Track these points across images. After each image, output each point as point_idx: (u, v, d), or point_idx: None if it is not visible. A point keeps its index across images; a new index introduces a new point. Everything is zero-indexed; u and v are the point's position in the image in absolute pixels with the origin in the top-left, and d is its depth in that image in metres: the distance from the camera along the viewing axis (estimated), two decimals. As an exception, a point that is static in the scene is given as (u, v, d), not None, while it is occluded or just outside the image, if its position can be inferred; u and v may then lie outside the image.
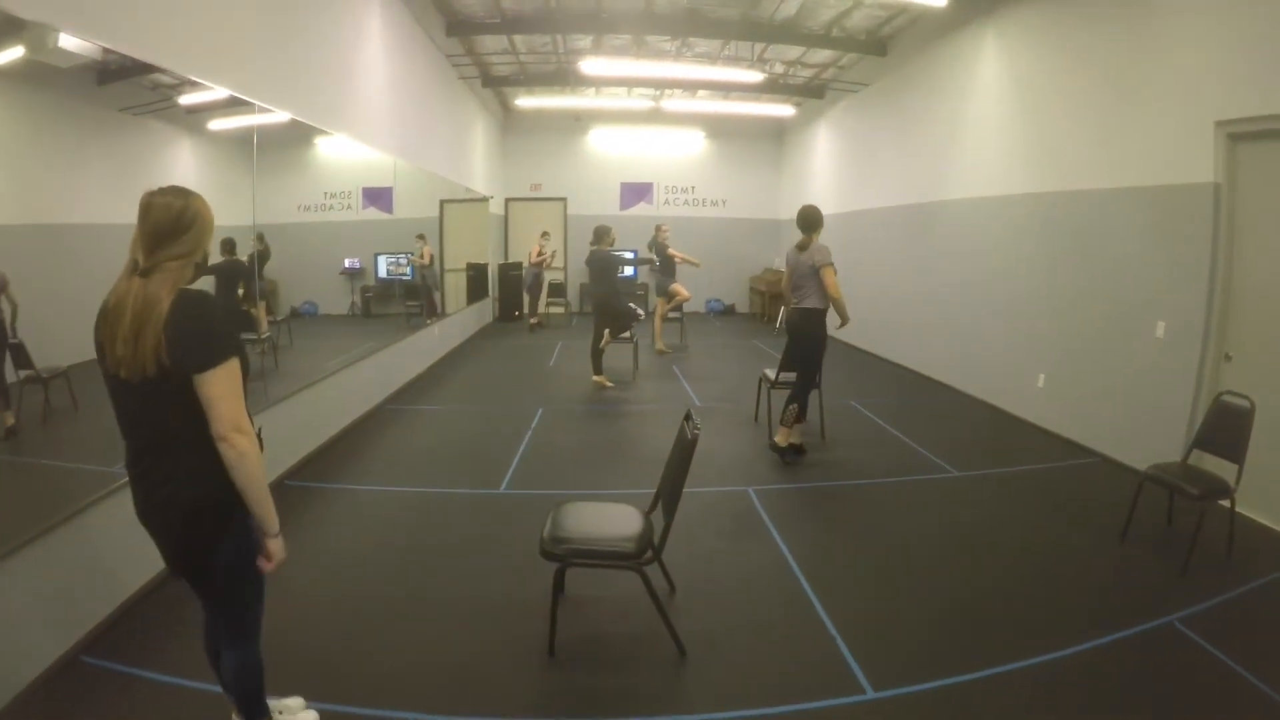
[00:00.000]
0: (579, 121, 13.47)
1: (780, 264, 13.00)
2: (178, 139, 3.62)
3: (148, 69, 3.15)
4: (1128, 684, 2.52)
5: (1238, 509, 3.52)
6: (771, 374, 5.45)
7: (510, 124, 13.55)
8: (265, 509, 1.76)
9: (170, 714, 2.30)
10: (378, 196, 6.67)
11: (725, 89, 11.45)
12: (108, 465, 2.76)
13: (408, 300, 7.73)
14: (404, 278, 7.55)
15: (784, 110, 12.53)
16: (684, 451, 2.68)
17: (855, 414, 6.33)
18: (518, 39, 9.48)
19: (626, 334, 7.58)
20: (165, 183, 1.76)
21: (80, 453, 2.93)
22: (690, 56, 9.88)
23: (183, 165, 3.69)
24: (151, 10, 3.14)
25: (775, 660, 2.68)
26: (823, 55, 9.91)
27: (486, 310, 12.33)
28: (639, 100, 12.30)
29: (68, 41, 2.63)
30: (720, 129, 13.73)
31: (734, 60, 9.77)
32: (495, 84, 11.12)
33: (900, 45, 8.75)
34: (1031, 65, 6.16)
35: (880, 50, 9.03)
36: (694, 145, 14.01)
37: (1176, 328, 4.50)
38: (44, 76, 2.64)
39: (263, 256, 4.37)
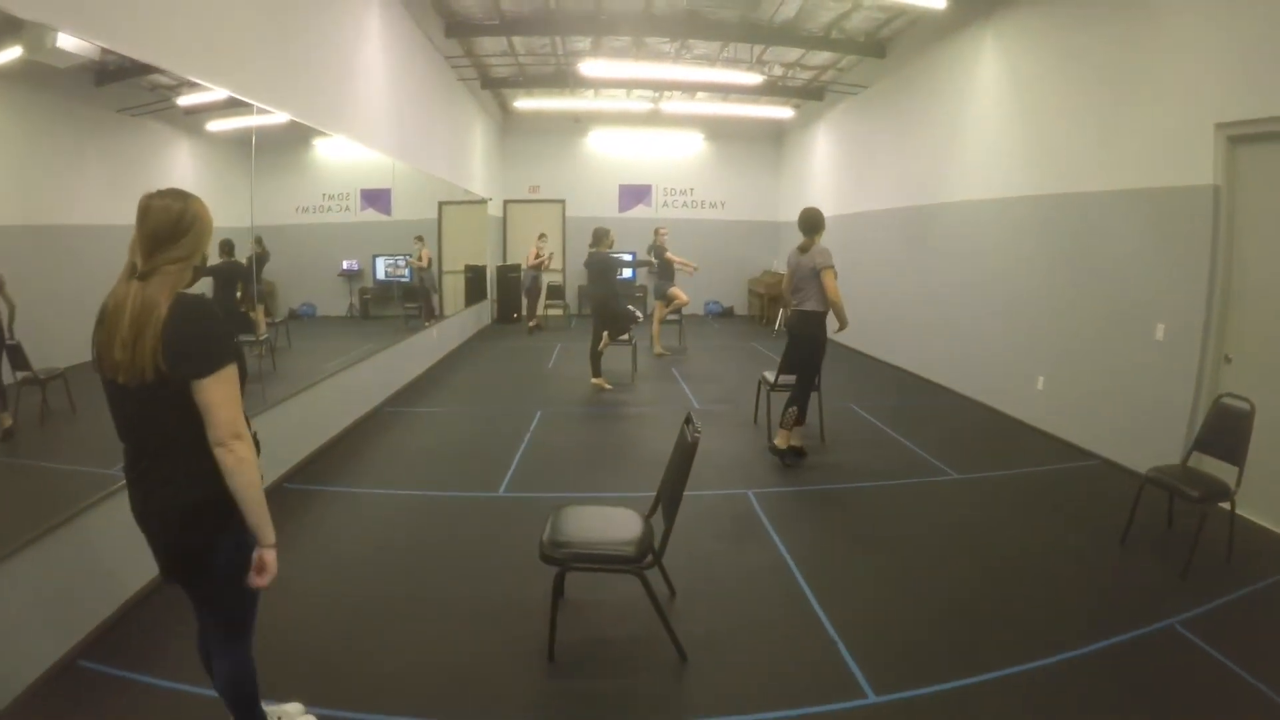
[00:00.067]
0: (578, 123, 13.48)
1: (779, 266, 13.01)
2: (176, 140, 3.61)
3: (146, 69, 3.14)
4: (1128, 687, 2.52)
5: (1238, 511, 3.51)
6: (771, 376, 5.44)
7: (509, 126, 13.55)
8: (261, 518, 1.74)
9: (169, 718, 2.28)
10: (376, 198, 6.66)
11: (724, 91, 11.45)
12: (106, 467, 2.75)
13: (406, 302, 7.72)
14: (402, 279, 7.53)
15: (783, 112, 12.56)
16: (684, 455, 2.67)
17: (855, 416, 6.33)
18: (517, 40, 9.48)
19: (625, 336, 7.57)
20: (164, 184, 1.75)
21: (78, 454, 2.91)
22: (689, 58, 9.88)
23: (181, 166, 3.68)
24: (150, 10, 3.13)
25: (776, 664, 2.67)
26: (822, 57, 9.92)
27: (485, 312, 12.32)
28: (638, 102, 12.30)
29: (66, 42, 2.63)
30: (719, 131, 13.74)
31: (733, 62, 9.78)
32: (494, 85, 11.13)
33: (899, 47, 8.77)
34: (1031, 67, 6.17)
35: (879, 52, 9.04)
36: (693, 147, 14.01)
37: (1176, 330, 4.50)
38: (42, 77, 2.64)
39: (261, 259, 4.36)
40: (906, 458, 5.19)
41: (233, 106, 3.87)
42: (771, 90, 10.99)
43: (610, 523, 2.78)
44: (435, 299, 8.70)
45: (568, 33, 8.92)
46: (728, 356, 9.54)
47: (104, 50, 2.84)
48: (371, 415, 6.11)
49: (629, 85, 11.22)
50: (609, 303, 7.35)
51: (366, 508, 4.15)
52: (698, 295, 13.23)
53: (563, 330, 11.83)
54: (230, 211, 3.94)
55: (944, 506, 4.28)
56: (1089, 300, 5.30)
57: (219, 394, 1.65)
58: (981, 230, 6.88)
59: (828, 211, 5.04)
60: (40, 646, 2.43)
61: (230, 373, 1.69)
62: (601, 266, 7.29)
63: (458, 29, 8.68)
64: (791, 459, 4.92)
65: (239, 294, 4.19)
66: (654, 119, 12.99)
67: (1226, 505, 3.45)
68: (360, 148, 6.01)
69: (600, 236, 7.23)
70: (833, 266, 4.70)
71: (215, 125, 3.95)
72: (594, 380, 7.26)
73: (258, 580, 1.77)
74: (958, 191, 7.36)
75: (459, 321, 10.14)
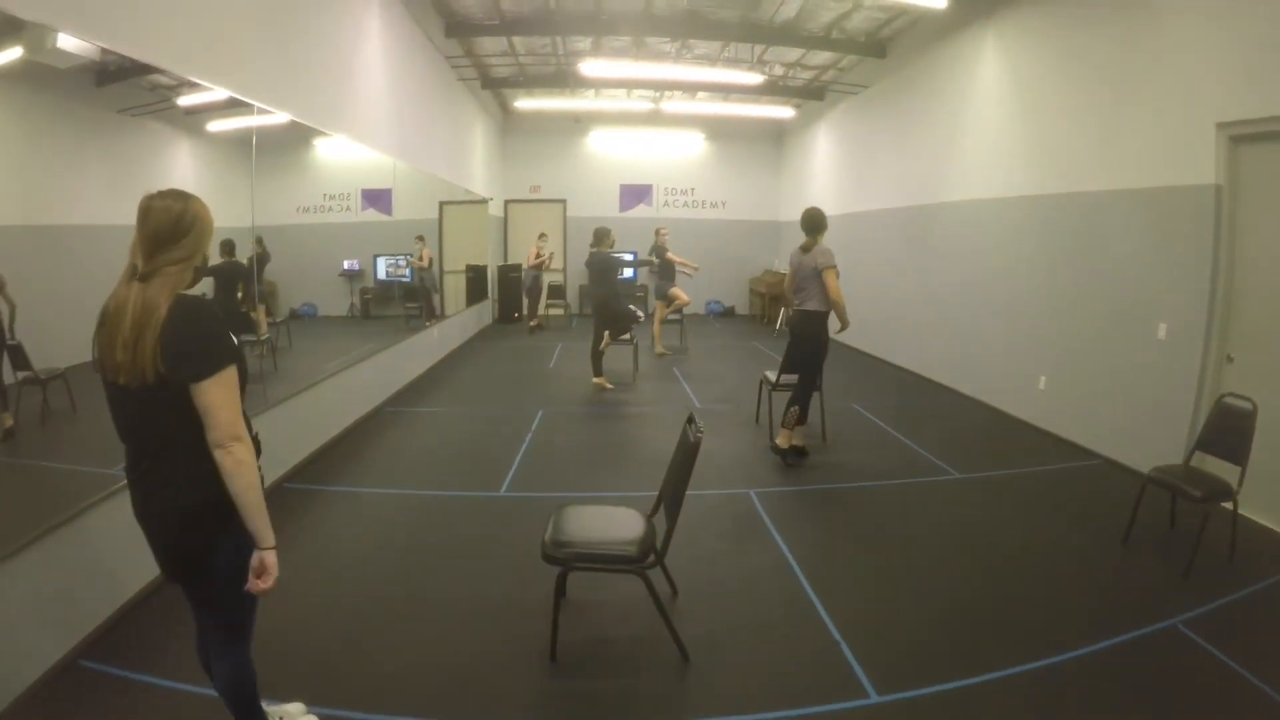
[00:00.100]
0: (578, 123, 13.47)
1: (780, 266, 13.01)
2: (176, 140, 3.61)
3: (146, 70, 3.14)
4: (1131, 687, 2.51)
5: (1240, 511, 3.51)
6: (772, 376, 5.44)
7: (510, 126, 13.55)
8: (260, 520, 1.72)
9: (169, 717, 2.28)
10: (377, 198, 6.66)
11: (725, 91, 11.44)
12: (107, 467, 2.75)
13: (407, 302, 7.72)
14: (403, 279, 7.53)
15: (784, 112, 12.55)
16: (687, 455, 2.66)
17: (856, 416, 6.32)
18: (517, 40, 9.47)
19: (626, 336, 7.56)
20: (164, 184, 1.74)
21: (79, 454, 2.91)
22: (690, 58, 9.88)
23: (181, 167, 3.68)
24: (150, 11, 3.13)
25: (778, 664, 2.66)
26: (822, 57, 9.91)
27: (486, 312, 12.32)
28: (638, 102, 12.30)
29: (66, 42, 2.62)
30: (720, 131, 13.73)
31: (734, 62, 9.77)
32: (494, 85, 11.13)
33: (900, 47, 8.76)
34: (1032, 67, 6.16)
35: (880, 52, 9.03)
36: (693, 147, 14.01)
37: (1178, 329, 4.49)
38: (42, 77, 2.63)
39: (262, 260, 4.36)
40: (908, 457, 5.18)
41: (233, 107, 3.87)
42: (772, 90, 10.98)
43: (612, 522, 2.77)
44: (436, 299, 8.70)
45: (568, 33, 8.91)
46: (729, 356, 9.53)
47: (104, 51, 2.84)
48: (372, 415, 6.10)
49: (629, 85, 11.22)
50: (610, 302, 7.34)
51: (367, 507, 4.15)
52: (699, 295, 13.22)
53: (564, 330, 11.83)
54: (231, 212, 3.94)
55: (946, 506, 4.28)
56: (1091, 300, 5.30)
57: (218, 396, 1.64)
58: (983, 230, 6.88)
59: (829, 211, 5.04)
60: (41, 646, 2.43)
61: (230, 375, 1.68)
62: (603, 266, 7.29)
63: (458, 29, 8.68)
64: (793, 458, 4.92)
65: (240, 294, 4.19)
66: (655, 119, 12.99)
67: (1229, 505, 3.44)
68: (361, 148, 6.01)
69: (601, 236, 7.23)
70: (835, 266, 4.70)
71: (216, 125, 3.94)
72: (595, 380, 7.26)
73: (259, 584, 1.74)
74: (959, 191, 7.35)
75: (460, 321, 10.13)
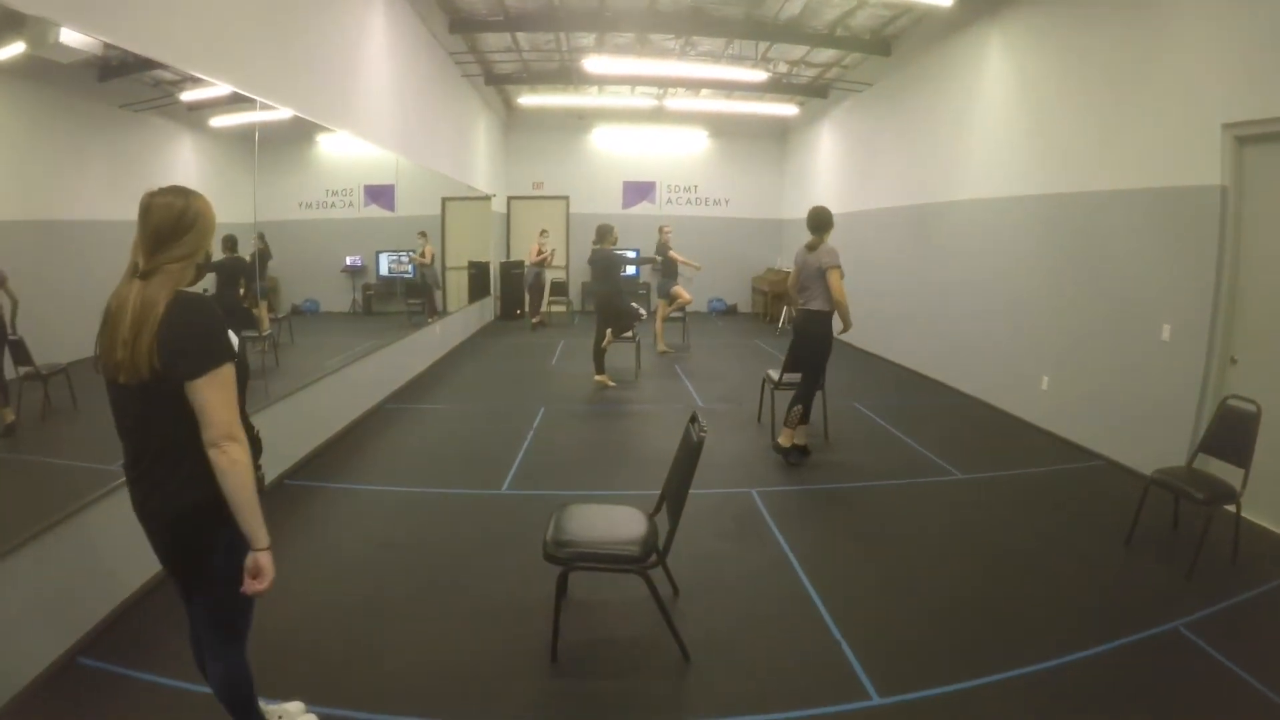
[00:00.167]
0: (582, 120, 13.45)
1: (783, 264, 13.00)
2: (179, 136, 3.60)
3: (149, 65, 3.13)
4: (1133, 689, 2.50)
5: (1243, 514, 3.50)
6: (775, 375, 5.43)
7: (513, 122, 13.53)
8: (254, 521, 1.69)
9: (169, 716, 2.28)
10: (379, 194, 6.65)
11: (729, 88, 11.42)
12: (107, 464, 2.74)
13: (409, 298, 7.71)
14: (405, 276, 7.53)
15: (787, 110, 12.51)
16: (690, 454, 2.66)
17: (859, 415, 6.31)
18: (521, 37, 9.46)
19: (629, 333, 7.56)
20: (166, 180, 1.73)
21: (80, 451, 2.91)
22: (694, 55, 9.84)
23: (184, 162, 3.67)
24: (153, 6, 3.12)
25: (780, 664, 2.66)
26: (826, 55, 9.89)
27: (488, 309, 12.31)
28: (642, 99, 12.27)
29: (69, 37, 2.61)
30: (723, 128, 13.70)
31: (737, 59, 9.74)
32: (498, 82, 11.11)
33: (904, 45, 8.73)
34: (1036, 66, 6.13)
35: (884, 50, 9.00)
36: (697, 144, 13.98)
37: (1182, 330, 4.48)
38: (45, 72, 2.62)
39: (263, 256, 4.35)
40: (910, 457, 5.17)
41: (236, 102, 3.86)
42: (776, 87, 10.95)
43: (614, 522, 2.76)
44: (438, 295, 8.69)
45: (572, 29, 8.89)
46: (731, 354, 9.52)
47: (107, 46, 2.83)
48: (374, 411, 6.10)
49: (633, 82, 11.18)
50: (613, 299, 7.33)
51: (368, 505, 4.15)
52: (701, 293, 13.22)
53: (566, 327, 11.82)
54: (233, 207, 3.94)
55: (948, 506, 4.27)
56: (1094, 300, 5.28)
57: (213, 395, 1.63)
58: (986, 229, 6.85)
59: (832, 209, 5.02)
60: (40, 644, 2.43)
61: (226, 374, 1.66)
62: (605, 263, 7.27)
63: (462, 25, 8.67)
64: (795, 458, 4.91)
65: (242, 290, 4.18)
66: (658, 116, 12.96)
67: (1232, 508, 3.43)
68: (364, 143, 6.00)
69: (604, 233, 7.21)
70: (839, 267, 4.68)
71: (218, 121, 3.94)
72: (597, 377, 7.25)
73: (254, 585, 1.72)
74: (963, 190, 7.32)
75: (462, 318, 10.13)
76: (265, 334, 4.50)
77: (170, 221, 1.66)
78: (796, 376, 5.03)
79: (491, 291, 12.45)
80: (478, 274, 11.13)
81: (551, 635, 2.61)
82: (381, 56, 6.36)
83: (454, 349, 9.36)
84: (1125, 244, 5.01)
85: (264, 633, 2.00)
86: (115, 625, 2.74)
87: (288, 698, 2.25)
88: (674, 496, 2.70)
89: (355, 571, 3.30)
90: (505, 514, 4.05)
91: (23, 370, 2.57)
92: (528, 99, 12.19)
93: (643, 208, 13.88)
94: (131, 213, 1.69)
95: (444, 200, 8.84)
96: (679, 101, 12.02)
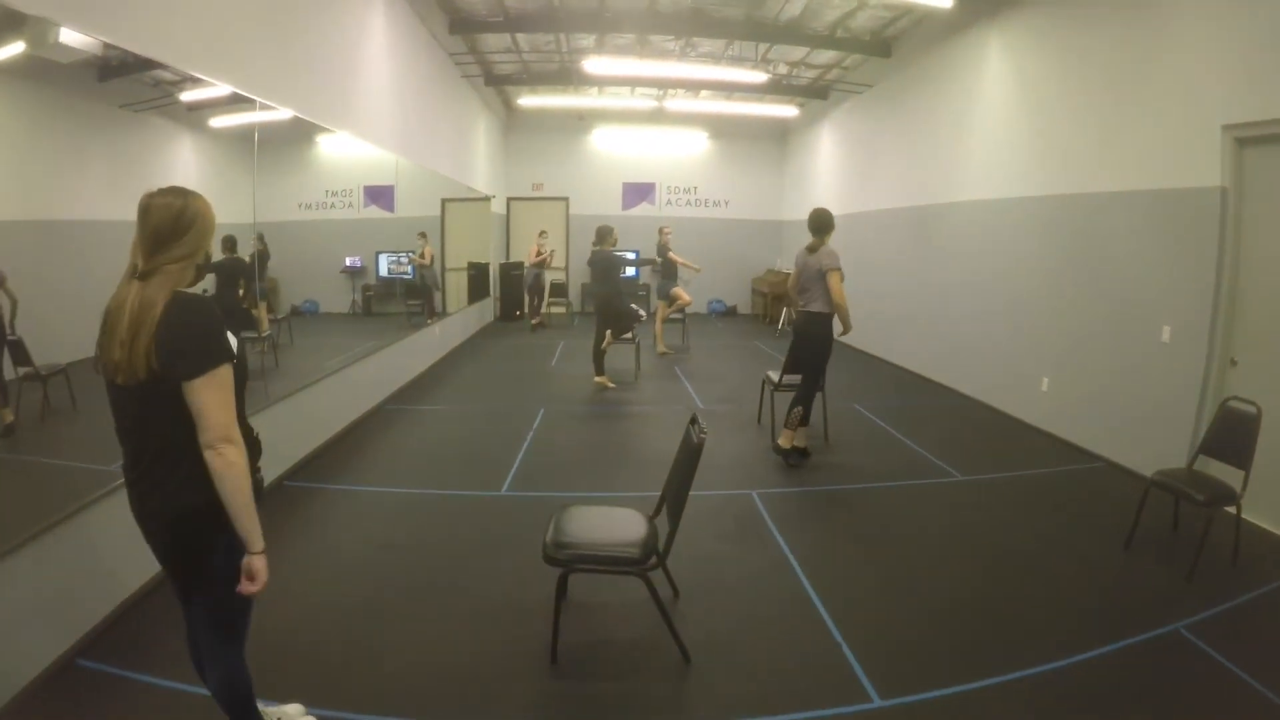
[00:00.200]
0: (582, 121, 13.45)
1: (783, 265, 12.99)
2: (178, 136, 3.60)
3: (149, 65, 3.13)
4: (1134, 691, 2.50)
5: (1244, 515, 3.50)
6: (775, 376, 5.42)
7: (513, 123, 13.53)
8: (249, 524, 1.69)
9: (167, 718, 2.27)
10: (379, 195, 6.65)
11: (729, 89, 11.42)
12: (107, 464, 2.73)
13: (408, 299, 7.71)
14: (405, 276, 7.52)
15: (787, 111, 12.52)
16: (690, 455, 2.65)
17: (859, 417, 6.31)
18: (521, 38, 9.46)
19: (628, 335, 7.55)
20: (166, 180, 1.73)
21: (79, 451, 2.90)
22: (694, 56, 9.84)
23: (183, 162, 3.67)
24: (153, 6, 3.12)
25: (780, 667, 2.65)
26: (827, 56, 9.89)
27: (487, 310, 12.31)
28: (642, 100, 12.27)
29: (69, 37, 2.61)
30: (723, 129, 13.71)
31: (738, 60, 9.74)
32: (498, 83, 11.11)
33: (904, 47, 8.73)
34: (1036, 67, 6.14)
35: (884, 51, 9.00)
36: (697, 145, 13.99)
37: (1182, 332, 4.48)
38: (44, 72, 2.62)
39: (262, 257, 4.35)
40: (910, 458, 5.17)
41: (235, 102, 3.85)
42: (776, 89, 10.95)
43: (614, 523, 2.76)
44: (438, 296, 8.69)
45: (572, 30, 8.89)
46: (731, 356, 9.52)
47: (106, 45, 2.83)
48: (373, 413, 6.10)
49: (633, 83, 11.19)
50: (612, 301, 7.33)
51: (367, 506, 4.14)
52: (701, 294, 13.21)
53: (565, 328, 11.81)
54: (233, 208, 3.93)
55: (948, 508, 4.26)
56: (1094, 302, 5.28)
57: (210, 396, 1.62)
58: (986, 230, 6.86)
59: (832, 211, 5.02)
60: (39, 645, 2.42)
61: (223, 375, 1.65)
62: (605, 265, 7.27)
63: (461, 25, 8.67)
64: (795, 459, 4.91)
65: (242, 291, 4.18)
66: (658, 117, 12.96)
67: (1232, 509, 3.43)
68: (364, 144, 5.99)
69: (604, 234, 7.21)
70: (839, 269, 4.68)
71: (218, 121, 3.93)
72: (597, 379, 7.24)
73: (248, 587, 1.72)
74: (963, 191, 7.33)
75: (461, 319, 10.12)
76: (264, 335, 4.49)
77: (169, 222, 1.65)
78: (796, 378, 5.03)
79: (491, 293, 12.45)
80: (477, 275, 11.13)
81: (551, 637, 2.61)
82: (381, 57, 6.36)
83: (453, 350, 9.36)
84: (1125, 245, 5.01)
85: (263, 634, 2.00)
86: (114, 626, 2.73)
87: (287, 699, 2.25)
88: (674, 498, 2.69)
89: (355, 573, 3.30)
90: (505, 515, 4.05)
91: (22, 371, 2.56)
92: (527, 100, 12.19)
93: (642, 209, 13.88)
94: (131, 213, 1.68)
95: (443, 201, 8.83)
96: (679, 103, 12.02)
